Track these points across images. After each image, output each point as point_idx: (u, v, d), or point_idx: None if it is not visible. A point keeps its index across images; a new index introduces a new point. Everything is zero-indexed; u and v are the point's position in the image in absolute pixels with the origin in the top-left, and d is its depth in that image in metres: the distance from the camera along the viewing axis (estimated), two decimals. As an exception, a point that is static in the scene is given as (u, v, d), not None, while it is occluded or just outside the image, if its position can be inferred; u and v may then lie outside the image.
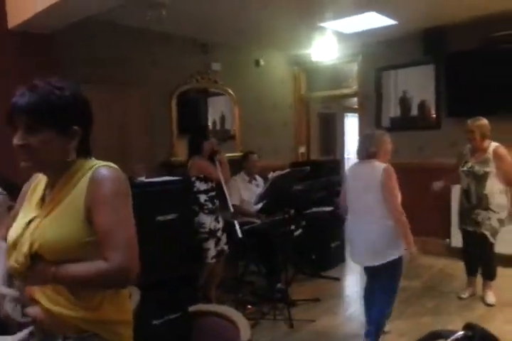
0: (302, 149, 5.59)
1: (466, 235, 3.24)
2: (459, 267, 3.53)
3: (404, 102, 4.61)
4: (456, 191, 3.63)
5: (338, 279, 3.85)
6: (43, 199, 1.09)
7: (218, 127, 4.69)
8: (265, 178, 3.48)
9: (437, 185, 3.23)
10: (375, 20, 3.82)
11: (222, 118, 4.72)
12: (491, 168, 2.99)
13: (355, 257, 2.65)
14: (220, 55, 4.47)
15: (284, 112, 5.32)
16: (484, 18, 3.78)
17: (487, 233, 3.02)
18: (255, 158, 3.77)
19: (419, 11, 3.67)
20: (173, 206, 2.22)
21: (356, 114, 5.63)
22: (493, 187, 3.00)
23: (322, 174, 4.13)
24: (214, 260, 3.12)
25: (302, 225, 3.58)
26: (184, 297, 2.17)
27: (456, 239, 3.71)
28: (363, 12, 3.57)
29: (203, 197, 3.13)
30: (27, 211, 1.09)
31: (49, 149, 1.01)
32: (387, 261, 2.41)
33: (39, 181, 1.14)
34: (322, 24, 3.84)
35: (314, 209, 3.86)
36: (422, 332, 0.97)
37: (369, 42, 4.58)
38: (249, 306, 3.19)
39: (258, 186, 3.71)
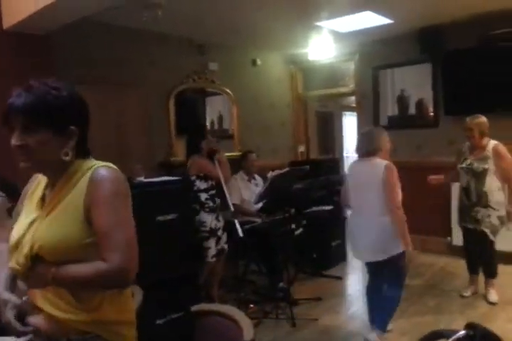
0: (301, 148, 5.59)
1: (466, 233, 3.24)
2: (460, 265, 3.54)
3: (401, 101, 4.62)
4: (456, 189, 3.63)
5: (339, 278, 3.84)
6: (43, 199, 1.09)
7: (216, 127, 4.69)
8: (264, 178, 3.48)
9: (434, 178, 3.21)
10: (371, 20, 3.82)
11: (220, 118, 4.72)
12: (490, 165, 3.00)
13: (356, 253, 2.67)
14: (217, 54, 4.46)
15: (281, 111, 5.32)
16: (481, 16, 3.78)
17: (487, 230, 3.02)
18: (254, 157, 3.77)
19: (415, 10, 3.67)
20: (173, 206, 2.22)
21: (354, 113, 5.64)
22: (492, 184, 3.01)
23: (321, 173, 4.13)
24: (214, 259, 3.12)
25: (303, 224, 3.58)
26: (186, 296, 2.17)
27: (457, 237, 3.71)
28: (359, 11, 3.57)
29: (203, 196, 3.13)
30: (28, 211, 1.09)
31: (46, 149, 1.01)
32: (387, 256, 2.42)
33: (39, 181, 1.14)
34: (318, 23, 3.84)
35: (314, 208, 3.86)
36: (424, 331, 0.98)
37: (365, 41, 4.59)
38: (252, 305, 3.19)
39: (257, 185, 3.71)
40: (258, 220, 3.34)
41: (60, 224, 1.01)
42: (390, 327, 2.68)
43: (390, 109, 4.71)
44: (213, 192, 3.18)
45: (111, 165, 1.08)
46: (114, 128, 3.61)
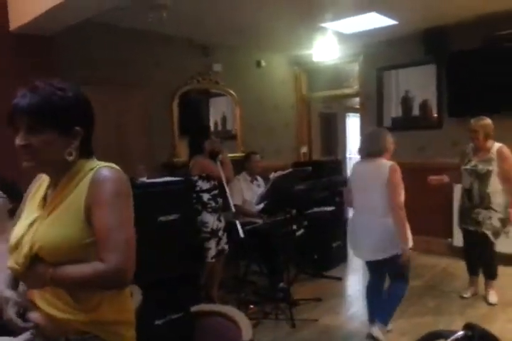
0: (304, 149, 5.59)
1: (466, 234, 3.24)
2: (460, 266, 3.53)
3: (405, 102, 4.61)
4: (458, 190, 3.62)
5: (339, 279, 3.85)
6: (45, 199, 1.10)
7: (220, 128, 4.70)
8: (266, 179, 3.49)
9: (434, 179, 3.20)
10: (375, 21, 3.82)
11: (224, 119, 4.73)
12: (494, 167, 2.99)
13: (357, 251, 2.69)
14: (221, 56, 4.48)
15: (285, 112, 5.33)
16: (486, 17, 3.77)
17: (488, 232, 3.02)
18: (257, 158, 3.77)
19: (420, 11, 3.67)
20: (175, 206, 2.22)
21: (358, 114, 5.63)
22: (496, 186, 3.00)
23: (324, 174, 4.13)
24: (214, 259, 3.13)
25: (304, 225, 3.58)
26: (186, 297, 2.17)
27: (458, 239, 3.71)
28: (363, 12, 3.58)
29: (205, 196, 3.14)
30: (30, 211, 1.10)
31: (51, 149, 1.01)
32: (387, 255, 2.43)
33: (42, 181, 1.14)
34: (323, 25, 3.84)
35: (316, 209, 3.86)
36: (424, 332, 0.98)
37: (370, 43, 4.58)
38: (252, 306, 3.19)
39: (259, 186, 3.72)
40: (259, 221, 3.35)
41: (61, 223, 1.01)
42: (390, 327, 2.69)
43: (393, 110, 4.71)
44: (215, 192, 3.19)
45: (113, 165, 1.07)
46: (117, 129, 3.63)
